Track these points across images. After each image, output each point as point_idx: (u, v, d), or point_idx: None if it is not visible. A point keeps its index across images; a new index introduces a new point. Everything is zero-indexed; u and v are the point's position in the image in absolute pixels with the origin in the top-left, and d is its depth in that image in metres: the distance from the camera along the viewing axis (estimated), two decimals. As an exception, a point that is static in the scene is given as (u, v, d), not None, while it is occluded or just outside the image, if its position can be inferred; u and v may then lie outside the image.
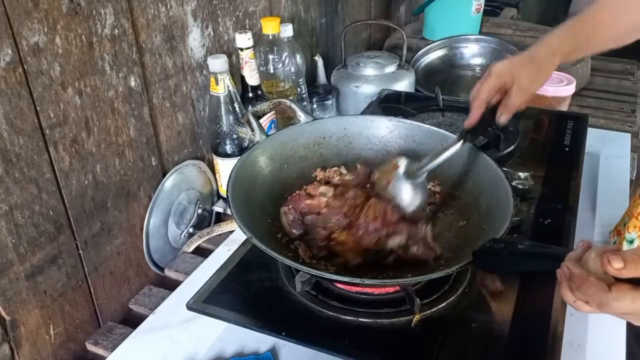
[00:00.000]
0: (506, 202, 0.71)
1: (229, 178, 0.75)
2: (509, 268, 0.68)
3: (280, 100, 0.91)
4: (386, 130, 0.90)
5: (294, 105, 0.90)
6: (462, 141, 0.75)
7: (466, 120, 0.75)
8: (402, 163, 0.76)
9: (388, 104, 1.20)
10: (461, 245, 0.74)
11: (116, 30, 0.81)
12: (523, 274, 0.76)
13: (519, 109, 0.72)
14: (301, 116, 0.89)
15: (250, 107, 0.97)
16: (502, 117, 0.72)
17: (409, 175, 0.76)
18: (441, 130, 0.87)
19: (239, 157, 0.80)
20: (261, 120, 0.91)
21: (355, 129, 0.90)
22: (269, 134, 0.89)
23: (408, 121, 0.91)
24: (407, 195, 0.75)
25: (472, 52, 1.57)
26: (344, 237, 0.75)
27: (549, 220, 0.86)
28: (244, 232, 0.67)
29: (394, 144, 0.90)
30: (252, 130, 0.85)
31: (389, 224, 0.73)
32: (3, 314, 0.72)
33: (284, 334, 0.68)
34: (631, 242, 0.85)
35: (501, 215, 0.70)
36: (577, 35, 0.74)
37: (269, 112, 0.95)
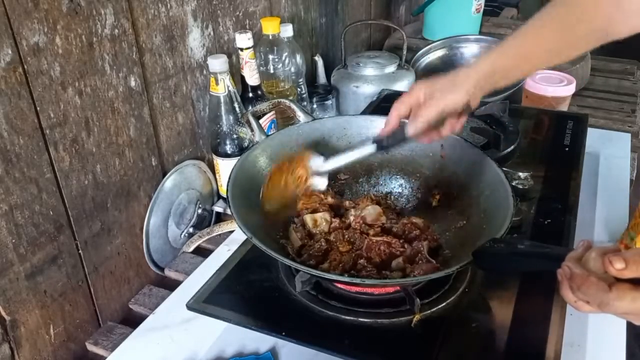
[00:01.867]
0: (506, 202, 0.71)
1: (229, 178, 0.75)
2: (509, 268, 0.68)
3: (280, 100, 0.91)
4: (386, 130, 0.90)
5: (293, 105, 0.90)
6: (374, 146, 0.74)
7: (382, 128, 0.75)
8: (312, 160, 0.76)
9: (388, 104, 1.20)
10: (461, 245, 0.74)
11: (116, 30, 0.81)
12: (523, 274, 0.76)
13: (428, 124, 0.71)
14: (301, 116, 0.89)
15: (250, 107, 0.97)
16: (409, 128, 0.72)
17: (316, 170, 0.76)
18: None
19: (239, 157, 0.80)
20: (261, 120, 0.91)
21: (355, 129, 0.90)
22: (269, 134, 0.89)
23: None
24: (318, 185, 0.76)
25: (472, 52, 1.56)
26: (344, 249, 0.76)
27: (549, 220, 0.86)
28: (244, 232, 0.67)
29: (394, 144, 0.90)
30: (252, 130, 0.85)
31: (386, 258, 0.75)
32: (3, 314, 0.72)
33: (284, 334, 0.68)
34: None
35: (501, 215, 0.70)
36: (507, 51, 0.74)
37: (269, 112, 0.95)
